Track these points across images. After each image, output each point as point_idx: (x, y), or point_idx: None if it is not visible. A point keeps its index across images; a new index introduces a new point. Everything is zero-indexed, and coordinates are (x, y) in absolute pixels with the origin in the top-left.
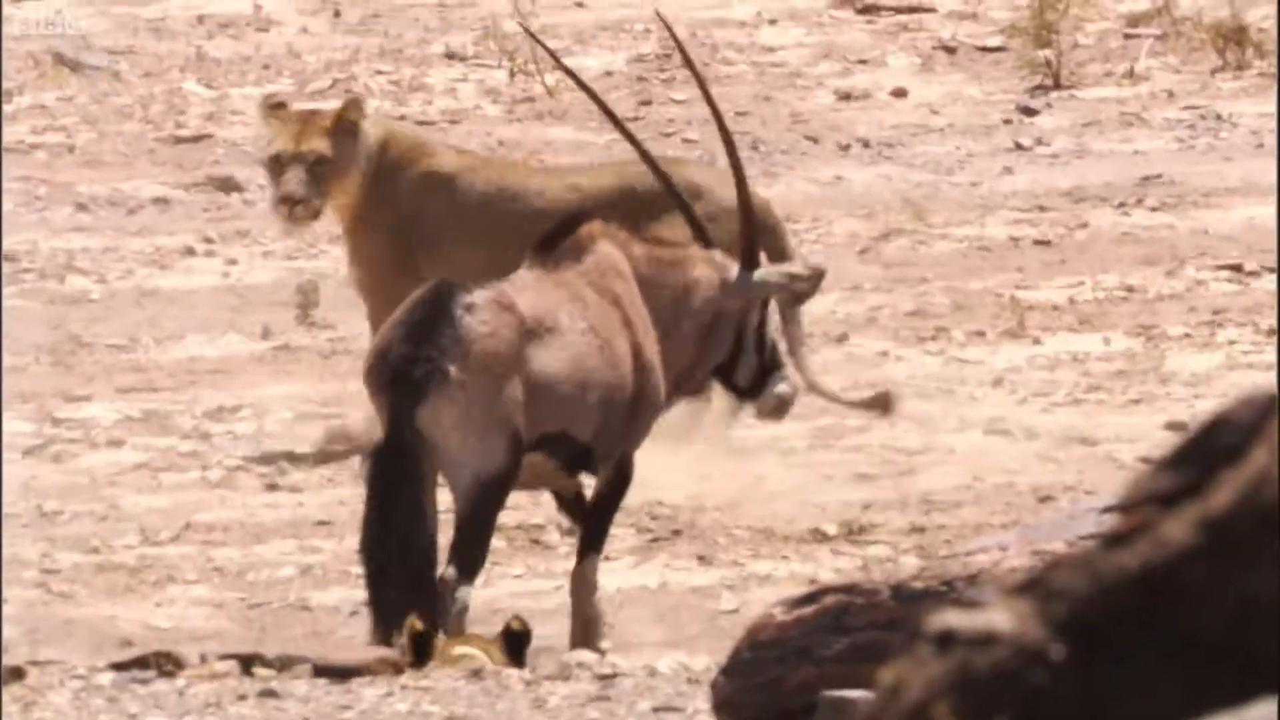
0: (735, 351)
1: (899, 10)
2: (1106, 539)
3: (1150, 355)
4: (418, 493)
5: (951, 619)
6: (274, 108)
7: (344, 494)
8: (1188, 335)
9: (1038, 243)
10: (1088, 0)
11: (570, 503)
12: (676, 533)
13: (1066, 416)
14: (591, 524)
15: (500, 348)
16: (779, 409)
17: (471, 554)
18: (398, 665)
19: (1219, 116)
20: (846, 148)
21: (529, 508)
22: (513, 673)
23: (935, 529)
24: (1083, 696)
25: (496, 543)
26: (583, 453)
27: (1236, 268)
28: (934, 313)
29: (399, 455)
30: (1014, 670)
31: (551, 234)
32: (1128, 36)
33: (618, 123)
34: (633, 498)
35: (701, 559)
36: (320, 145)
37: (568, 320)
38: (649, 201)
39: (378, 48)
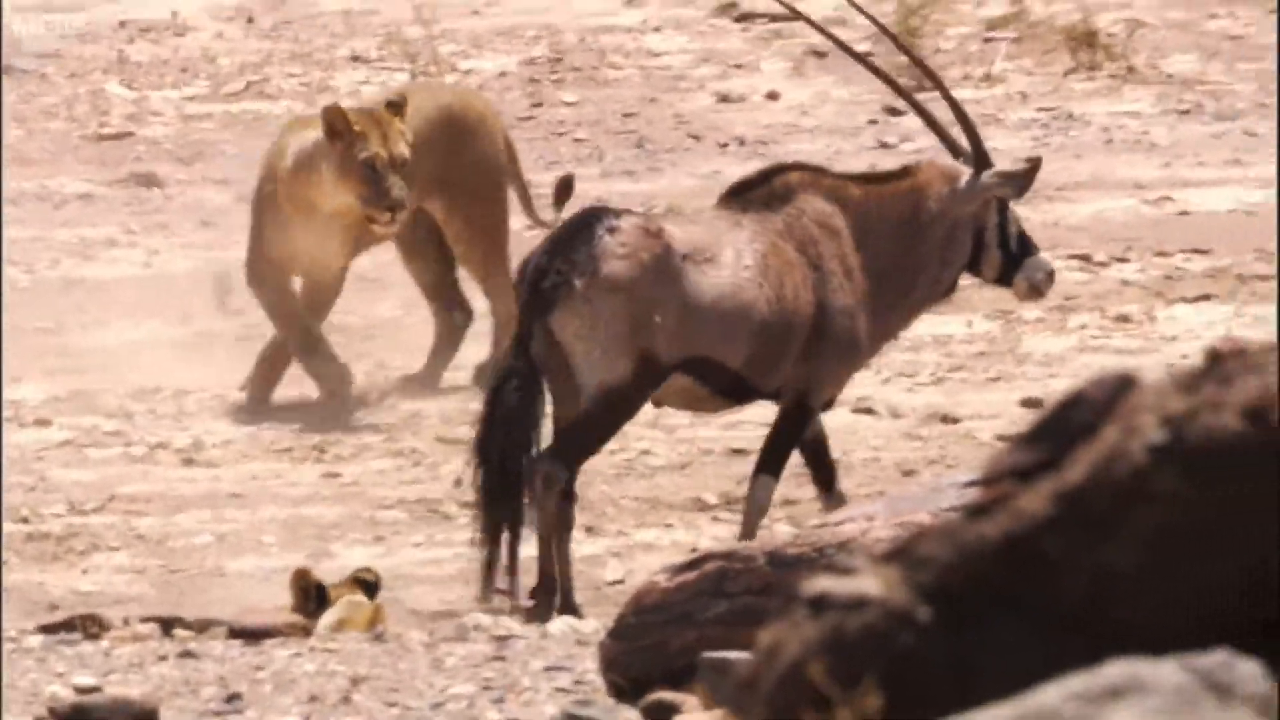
0: (977, 250)
1: (773, 18)
2: (969, 510)
3: (1008, 338)
4: (529, 402)
5: (824, 584)
6: (338, 114)
7: (256, 468)
8: (1042, 320)
9: None
10: (948, 6)
11: (810, 454)
12: None
13: (929, 395)
14: (766, 447)
15: (634, 269)
16: (1033, 291)
17: (572, 444)
18: (306, 628)
19: (1070, 116)
20: (725, 145)
21: (428, 481)
22: (414, 634)
23: (807, 501)
24: (948, 657)
25: (398, 514)
26: (734, 380)
27: (1086, 257)
28: None
29: (519, 360)
30: (883, 632)
31: (748, 180)
32: (985, 40)
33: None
34: None
35: (590, 530)
36: (405, 149)
37: (730, 254)
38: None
39: (288, 52)
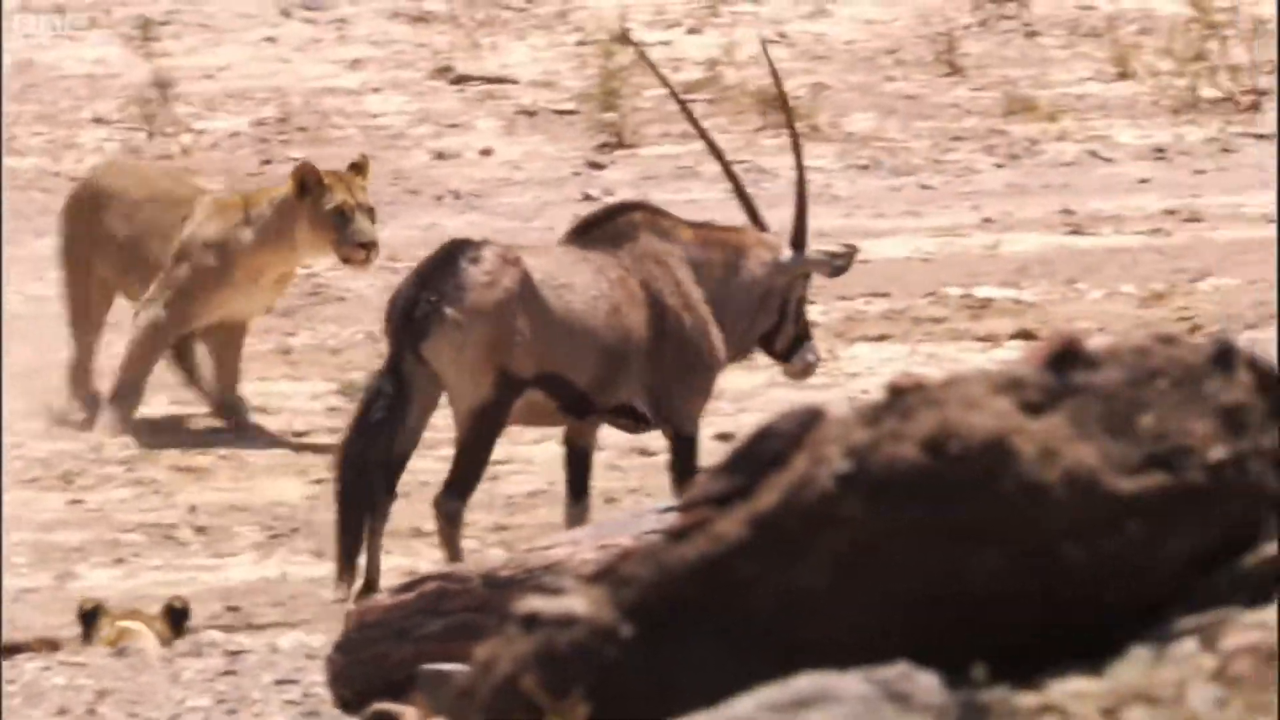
0: (779, 321)
1: (486, 80)
2: (669, 534)
3: None
4: (391, 420)
5: (536, 603)
6: (310, 170)
7: (6, 496)
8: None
9: None
10: (647, 70)
11: (576, 462)
12: (295, 530)
13: None
14: (674, 481)
15: (497, 295)
16: (805, 372)
17: (464, 475)
18: (55, 643)
19: (761, 170)
20: (441, 199)
21: (163, 509)
22: (153, 650)
23: (517, 526)
24: (649, 671)
25: (136, 537)
26: (580, 397)
27: None
28: None
29: (390, 382)
30: (590, 648)
31: (593, 218)
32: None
33: (695, 123)
34: (255, 499)
35: (317, 554)
36: (368, 198)
37: (580, 282)
38: None
39: (34, 113)
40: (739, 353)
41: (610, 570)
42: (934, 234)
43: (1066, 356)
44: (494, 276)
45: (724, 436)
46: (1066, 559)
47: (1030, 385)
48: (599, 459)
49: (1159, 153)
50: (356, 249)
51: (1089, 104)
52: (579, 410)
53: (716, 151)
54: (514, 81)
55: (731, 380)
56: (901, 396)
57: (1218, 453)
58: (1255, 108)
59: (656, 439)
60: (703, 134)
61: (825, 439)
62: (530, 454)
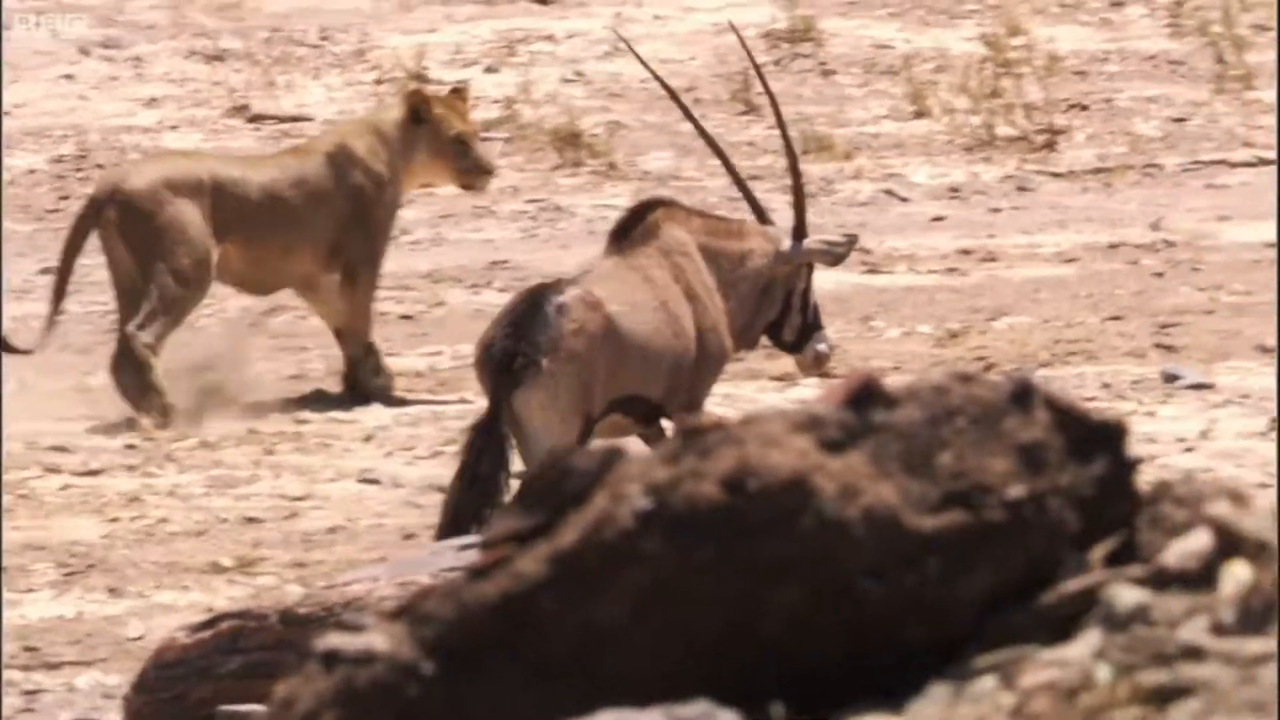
0: (784, 312)
1: (281, 119)
2: (470, 572)
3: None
4: (497, 471)
5: (335, 640)
6: (423, 97)
7: None
8: None
9: (402, 317)
10: None
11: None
12: (91, 567)
13: (428, 467)
14: None
15: (585, 343)
16: (817, 363)
17: None
18: None
19: (558, 208)
20: None
21: None
22: None
23: (315, 563)
24: (450, 708)
25: None
26: (654, 409)
27: None
28: (313, 376)
29: (493, 431)
30: (390, 685)
31: (625, 222)
32: (481, 139)
33: (689, 114)
34: (51, 538)
35: (113, 591)
36: (475, 123)
37: (643, 299)
38: None
39: None
40: (745, 344)
41: (411, 607)
42: None
43: (865, 395)
44: (580, 323)
45: (520, 474)
46: (866, 596)
47: (829, 424)
48: (397, 496)
49: (954, 191)
50: (481, 175)
51: (885, 142)
52: (652, 419)
53: (714, 146)
54: (310, 120)
55: None
56: (701, 435)
57: (1016, 490)
58: (1050, 146)
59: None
60: (700, 129)
61: (626, 477)
62: (328, 491)
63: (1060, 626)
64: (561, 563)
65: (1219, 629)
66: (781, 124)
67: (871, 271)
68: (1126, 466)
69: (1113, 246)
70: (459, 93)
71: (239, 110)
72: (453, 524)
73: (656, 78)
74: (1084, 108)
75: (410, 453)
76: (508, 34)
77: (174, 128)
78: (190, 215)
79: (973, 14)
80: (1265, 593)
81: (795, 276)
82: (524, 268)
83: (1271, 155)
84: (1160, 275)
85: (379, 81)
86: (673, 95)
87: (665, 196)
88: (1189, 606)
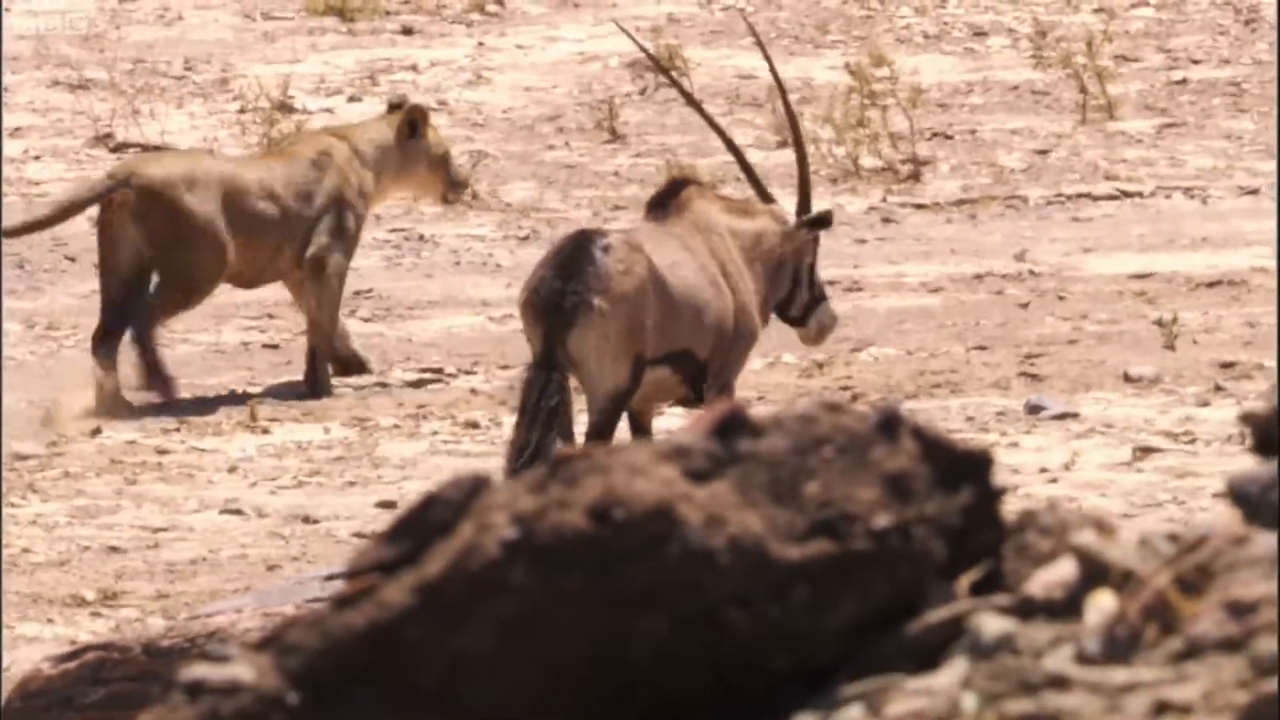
0: (793, 288)
1: (146, 147)
2: (335, 602)
3: (364, 443)
4: (562, 404)
5: (200, 671)
6: (425, 114)
7: None
8: (396, 426)
9: (267, 346)
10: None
11: (640, 435)
12: None
13: (292, 497)
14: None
15: (633, 282)
16: (821, 334)
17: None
18: None
19: (421, 238)
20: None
21: None
22: None
23: (178, 595)
24: None
25: None
26: (700, 369)
27: (438, 370)
28: (178, 408)
29: (549, 371)
30: (255, 715)
31: (661, 195)
32: None
33: (702, 112)
34: None
35: None
36: None
37: (684, 259)
38: None
39: None
40: (763, 322)
41: (276, 637)
42: None
43: (732, 425)
44: (627, 264)
45: (387, 504)
46: (732, 626)
47: (696, 453)
48: (261, 526)
49: None
50: (459, 189)
51: None
52: (697, 382)
53: (714, 124)
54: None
55: (395, 447)
56: (567, 464)
57: (882, 520)
58: (915, 177)
59: (320, 507)
60: (698, 108)
61: (492, 506)
62: (191, 521)
63: (926, 656)
64: (427, 592)
65: (1084, 658)
66: (785, 100)
67: None
68: (992, 496)
69: (977, 277)
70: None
71: (102, 140)
72: (519, 460)
73: (667, 73)
74: (948, 138)
75: (274, 483)
76: (371, 64)
77: (37, 158)
78: (213, 210)
79: (837, 44)
80: (1130, 622)
81: (804, 252)
82: (388, 297)
83: (1134, 188)
84: (1025, 306)
85: (242, 110)
86: (687, 97)
87: (694, 178)
88: (1054, 636)
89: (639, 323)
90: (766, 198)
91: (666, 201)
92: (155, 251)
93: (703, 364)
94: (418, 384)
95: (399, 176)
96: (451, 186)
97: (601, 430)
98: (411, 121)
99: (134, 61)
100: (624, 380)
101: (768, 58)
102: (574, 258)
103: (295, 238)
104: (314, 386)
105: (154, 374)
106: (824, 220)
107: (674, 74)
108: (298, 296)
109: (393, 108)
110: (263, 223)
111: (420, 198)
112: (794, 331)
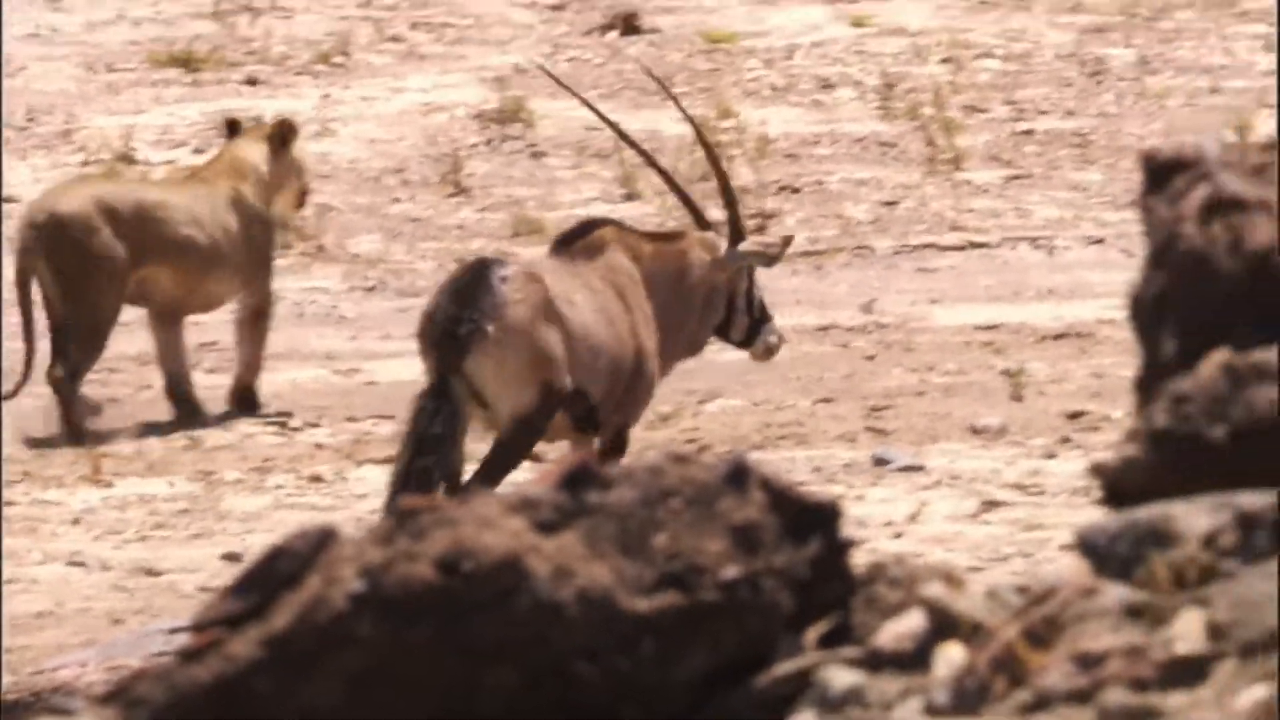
0: (729, 314)
1: None
2: (182, 655)
3: (209, 496)
4: (449, 434)
5: None
6: (293, 126)
7: None
8: (241, 480)
9: (110, 400)
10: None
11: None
12: None
13: (136, 551)
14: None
15: (529, 312)
16: (768, 353)
17: (493, 472)
18: None
19: None
20: None
21: None
22: None
23: (20, 649)
24: None
25: None
26: (591, 411)
27: (282, 423)
28: (19, 458)
29: (439, 399)
30: None
31: (570, 233)
32: None
33: (615, 126)
34: None
35: None
36: None
37: (582, 298)
38: None
39: None
40: (693, 349)
41: (122, 691)
42: None
43: (580, 477)
44: (524, 294)
45: (230, 557)
46: (580, 678)
47: (544, 505)
48: (105, 579)
49: None
50: (307, 193)
51: None
52: (586, 426)
53: (645, 154)
54: (15, 201)
55: (239, 501)
56: (415, 516)
57: (731, 571)
58: (761, 229)
59: (164, 560)
60: (629, 141)
61: (339, 559)
62: (35, 574)
63: (775, 708)
64: (275, 645)
65: (933, 710)
66: (698, 130)
67: None
68: (841, 547)
69: (823, 329)
70: (236, 124)
71: None
72: (403, 490)
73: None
74: (795, 190)
75: (118, 536)
76: (215, 115)
77: None
78: (113, 242)
79: (684, 96)
80: (979, 674)
81: (737, 279)
82: (233, 349)
83: (981, 239)
84: (871, 358)
85: (85, 163)
86: (687, 114)
87: (613, 219)
88: (903, 688)
89: (542, 351)
90: (704, 225)
91: (575, 239)
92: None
93: (593, 407)
94: (263, 437)
95: (273, 190)
96: (305, 191)
97: (505, 451)
98: (282, 135)
99: None
100: (528, 406)
101: (681, 109)
102: (471, 285)
103: (228, 265)
104: (249, 407)
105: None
106: (765, 256)
107: (521, 125)
108: (160, 333)
109: (231, 126)
110: (188, 249)
111: (284, 208)
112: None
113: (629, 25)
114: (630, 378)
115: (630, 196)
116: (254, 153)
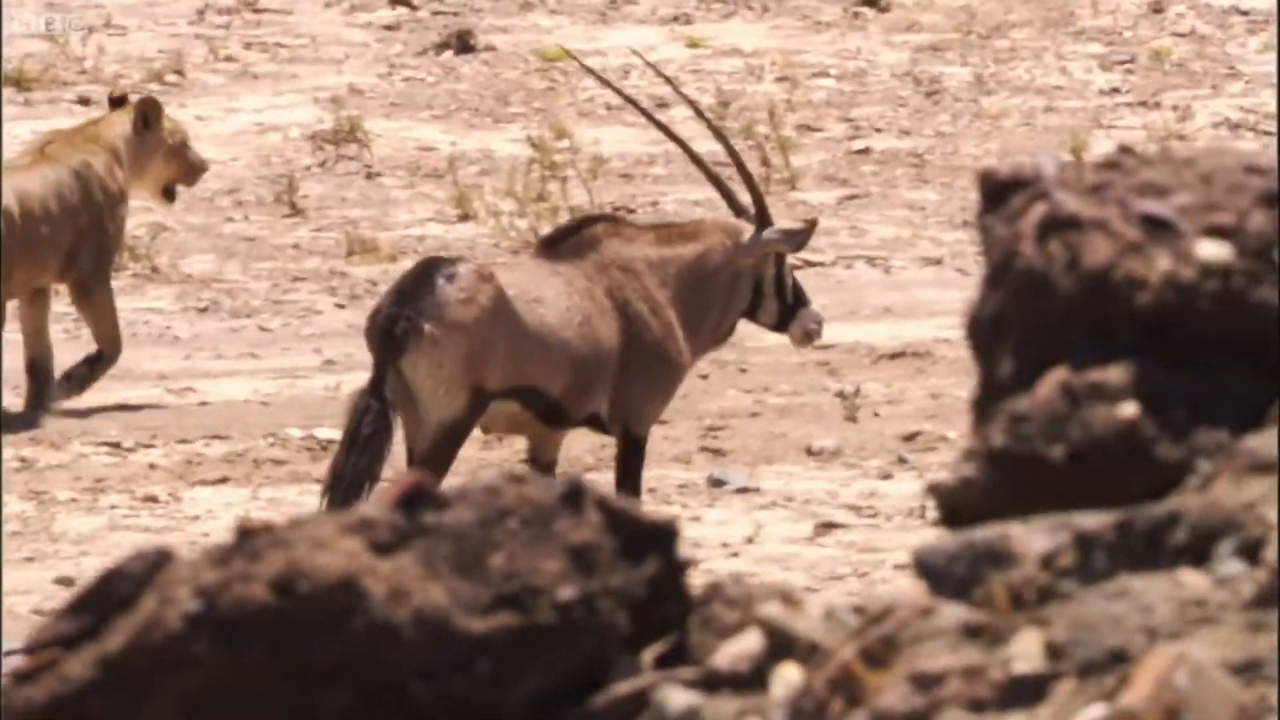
0: (757, 297)
1: None
2: (15, 677)
3: (41, 518)
4: (378, 434)
5: None
6: (159, 106)
7: None
8: (74, 500)
9: None
10: None
11: (541, 468)
12: None
13: None
14: (619, 477)
15: (472, 311)
16: (806, 338)
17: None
18: None
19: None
20: None
21: None
22: None
23: None
24: None
25: None
26: (553, 407)
27: (115, 444)
28: None
29: (373, 398)
30: None
31: (560, 231)
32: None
33: (644, 111)
34: None
35: None
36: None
37: (551, 295)
38: None
39: None
40: (718, 339)
41: None
42: (274, 376)
43: (416, 497)
44: (470, 293)
45: (65, 580)
46: (416, 699)
47: (380, 526)
48: None
49: None
50: (199, 171)
51: (430, 245)
52: (553, 420)
53: (677, 140)
54: None
55: (72, 522)
56: (250, 538)
57: (567, 592)
58: None
59: None
60: (666, 131)
61: (174, 580)
62: None
63: None
64: (110, 666)
65: None
66: (711, 125)
67: None
68: (678, 568)
69: None
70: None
71: None
72: (335, 486)
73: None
74: (630, 210)
75: None
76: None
77: None
78: None
79: (518, 116)
80: (816, 695)
81: (763, 265)
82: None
83: (816, 258)
84: (706, 378)
85: None
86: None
87: (610, 213)
88: (740, 708)
89: (477, 352)
90: (737, 212)
91: (565, 238)
92: None
93: (555, 401)
94: (96, 457)
95: (139, 171)
96: (191, 170)
97: (433, 461)
98: (144, 115)
99: None
100: (458, 411)
101: (692, 104)
102: (415, 284)
103: (62, 249)
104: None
105: None
106: (791, 240)
107: (355, 146)
108: (27, 317)
109: (114, 102)
110: (38, 235)
111: (160, 189)
112: None
113: (464, 44)
114: (630, 374)
115: (465, 217)
116: (115, 129)
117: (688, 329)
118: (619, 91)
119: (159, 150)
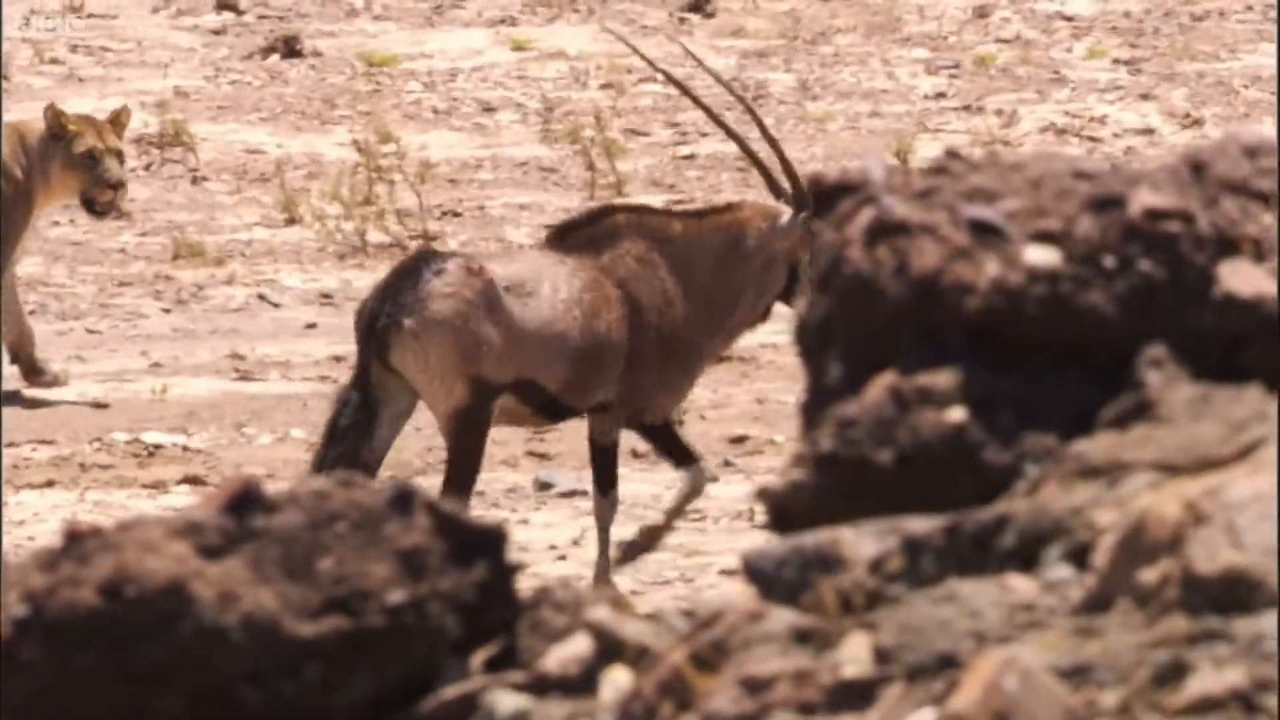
0: (791, 281)
1: None
2: None
3: None
4: (356, 426)
5: None
6: (59, 114)
7: None
8: None
9: None
10: None
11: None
12: None
13: None
14: (595, 467)
15: (456, 305)
16: None
17: (459, 476)
18: None
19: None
20: None
21: None
22: None
23: None
24: None
25: None
26: (551, 400)
27: None
28: None
29: (354, 390)
30: None
31: (572, 221)
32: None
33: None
34: None
35: None
36: (118, 143)
37: (548, 288)
38: None
39: None
40: (753, 321)
41: None
42: (101, 379)
43: (245, 500)
44: (455, 288)
45: None
46: (246, 703)
47: (209, 529)
48: None
49: (327, 298)
50: (105, 189)
51: (257, 249)
52: (552, 413)
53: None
54: None
55: None
56: (79, 541)
57: (396, 596)
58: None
59: None
60: (708, 112)
61: (2, 584)
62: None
63: None
64: None
65: None
66: (745, 102)
67: (244, 378)
68: (506, 572)
69: None
70: (118, 115)
71: None
72: (315, 474)
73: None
74: (457, 215)
75: None
76: None
77: None
78: None
79: (344, 120)
80: (646, 699)
81: (799, 248)
82: None
83: None
84: None
85: None
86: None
87: (634, 203)
88: (570, 713)
89: (468, 346)
90: (777, 193)
91: (578, 228)
92: None
93: (553, 396)
94: None
95: (44, 177)
96: (93, 187)
97: (456, 450)
98: (50, 125)
99: None
100: (459, 402)
101: (750, 109)
102: (402, 279)
103: None
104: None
105: None
106: None
107: (181, 149)
108: None
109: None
110: None
111: (71, 200)
112: (302, 409)
113: (290, 48)
114: (632, 365)
115: (291, 221)
116: (33, 130)
117: (718, 313)
118: (679, 84)
119: (56, 159)
